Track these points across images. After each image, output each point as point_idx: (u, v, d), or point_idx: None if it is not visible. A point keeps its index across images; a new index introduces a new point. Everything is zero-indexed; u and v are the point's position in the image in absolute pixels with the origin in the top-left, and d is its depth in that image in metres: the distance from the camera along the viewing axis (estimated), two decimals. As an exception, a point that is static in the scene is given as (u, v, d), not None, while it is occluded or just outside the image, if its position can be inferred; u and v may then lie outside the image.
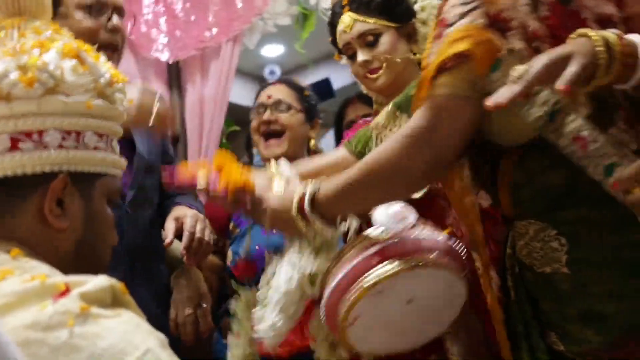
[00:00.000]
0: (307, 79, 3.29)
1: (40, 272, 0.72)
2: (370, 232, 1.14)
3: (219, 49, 2.34)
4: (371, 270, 1.08)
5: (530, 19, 0.98)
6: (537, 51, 0.96)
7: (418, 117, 1.04)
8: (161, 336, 0.70)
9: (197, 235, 1.54)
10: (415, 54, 1.58)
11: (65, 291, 0.67)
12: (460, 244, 1.16)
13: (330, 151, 1.50)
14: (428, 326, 1.19)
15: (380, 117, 1.50)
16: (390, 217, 1.13)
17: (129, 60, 2.23)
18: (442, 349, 1.25)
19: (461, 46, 0.97)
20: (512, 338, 1.10)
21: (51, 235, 0.81)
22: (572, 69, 0.85)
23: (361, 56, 1.52)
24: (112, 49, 1.55)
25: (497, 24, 0.98)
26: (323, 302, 1.14)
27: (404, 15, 1.56)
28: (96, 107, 0.84)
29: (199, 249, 1.57)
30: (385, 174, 1.07)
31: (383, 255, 1.08)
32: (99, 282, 0.69)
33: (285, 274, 1.21)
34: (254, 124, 1.95)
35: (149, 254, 1.62)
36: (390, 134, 1.36)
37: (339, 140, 2.70)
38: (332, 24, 1.61)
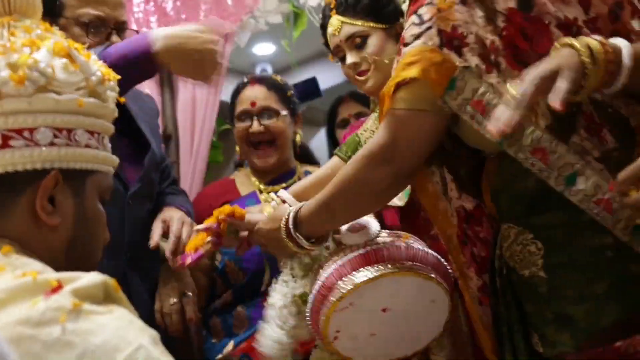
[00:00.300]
0: (299, 78, 3.29)
1: (32, 269, 0.72)
2: (332, 248, 1.21)
3: (210, 47, 2.34)
4: (336, 285, 1.13)
5: (486, 32, 0.98)
6: (495, 65, 0.96)
7: (379, 134, 1.07)
8: (153, 333, 0.70)
9: (184, 239, 1.55)
10: None
11: (58, 287, 0.68)
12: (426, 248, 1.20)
13: (325, 163, 1.52)
14: (419, 331, 1.21)
15: (369, 122, 1.52)
16: (347, 231, 1.20)
17: (119, 58, 2.22)
18: (424, 348, 1.27)
19: (411, 72, 0.99)
20: (498, 338, 1.11)
21: (43, 232, 0.81)
22: (563, 85, 0.85)
23: (349, 58, 1.53)
24: None
25: (453, 40, 0.98)
26: (308, 321, 1.19)
27: (392, 16, 1.57)
28: (87, 105, 0.84)
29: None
30: (352, 191, 1.12)
31: (343, 270, 1.14)
32: (91, 278, 0.70)
33: (280, 291, 1.27)
34: (239, 132, 1.90)
35: (145, 248, 1.62)
36: None
37: (331, 138, 2.70)
38: (323, 27, 1.62)
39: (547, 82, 0.86)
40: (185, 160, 2.29)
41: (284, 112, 1.89)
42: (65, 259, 0.83)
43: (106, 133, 0.89)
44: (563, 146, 0.95)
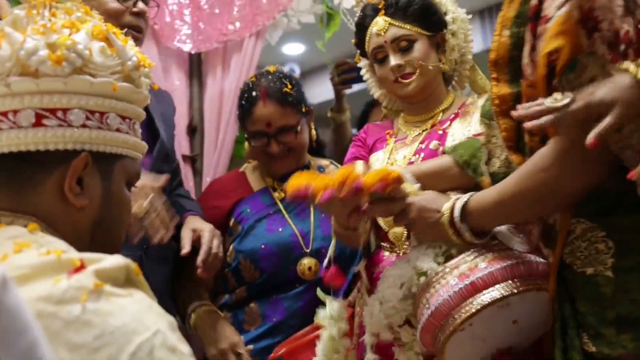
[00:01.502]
0: (327, 80, 3.28)
1: (56, 248, 0.73)
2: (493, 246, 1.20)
3: (241, 43, 2.34)
4: (499, 286, 1.14)
5: (622, 22, 0.95)
6: (622, 56, 0.94)
7: (560, 138, 1.03)
8: (171, 319, 0.71)
9: (214, 250, 1.63)
10: (443, 64, 1.59)
11: (80, 267, 0.68)
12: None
13: (437, 160, 1.44)
14: (514, 339, 1.23)
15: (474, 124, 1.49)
16: (515, 237, 1.20)
17: (151, 49, 2.24)
18: None
19: (556, 43, 0.97)
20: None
21: (69, 212, 0.82)
22: (606, 123, 0.86)
23: (394, 60, 1.53)
24: (137, 30, 1.59)
25: (588, 21, 0.96)
26: (436, 300, 1.18)
27: (437, 25, 1.58)
28: (121, 90, 0.85)
29: (214, 263, 1.65)
30: (538, 194, 1.07)
31: (494, 277, 1.15)
32: (114, 260, 0.70)
33: (399, 267, 1.27)
34: (256, 149, 1.82)
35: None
36: (492, 146, 1.36)
37: None
38: (362, 26, 1.61)
39: (594, 111, 0.87)
40: (209, 153, 2.29)
41: (300, 123, 1.80)
42: (90, 240, 0.84)
43: (137, 119, 0.90)
44: None
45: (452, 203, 1.21)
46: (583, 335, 1.02)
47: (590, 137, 0.86)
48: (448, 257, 1.24)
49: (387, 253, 1.52)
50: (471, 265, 1.17)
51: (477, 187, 1.31)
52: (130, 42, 0.90)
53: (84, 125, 0.82)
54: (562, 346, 1.05)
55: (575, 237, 1.04)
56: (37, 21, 0.83)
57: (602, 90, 0.89)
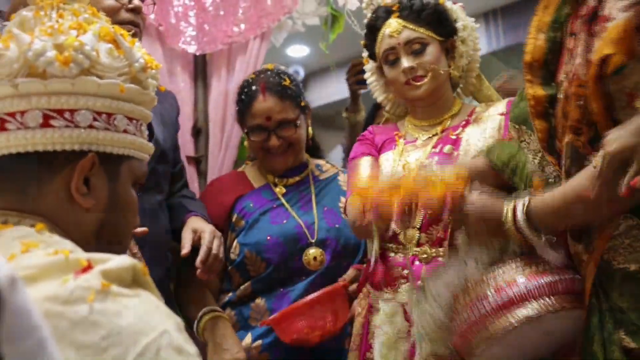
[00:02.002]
0: (331, 82, 3.29)
1: (63, 248, 0.73)
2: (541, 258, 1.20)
3: (246, 45, 2.34)
4: (535, 303, 1.14)
5: None
6: None
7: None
8: (178, 319, 0.71)
9: (214, 251, 1.63)
10: (452, 69, 1.60)
11: (88, 267, 0.68)
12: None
13: (473, 159, 1.45)
14: (545, 350, 1.23)
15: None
16: (552, 249, 1.19)
17: (156, 50, 2.24)
18: None
19: (610, 49, 0.99)
20: (585, 331, 1.12)
21: (76, 213, 0.82)
22: (632, 172, 0.89)
23: (406, 62, 1.54)
24: (135, 25, 1.59)
25: None
26: (472, 310, 1.18)
27: (448, 31, 1.60)
28: (129, 91, 0.85)
29: (214, 264, 1.65)
30: (602, 199, 1.04)
31: (548, 291, 1.15)
32: (121, 261, 0.70)
33: (455, 270, 1.26)
34: (255, 143, 1.84)
35: (156, 239, 1.65)
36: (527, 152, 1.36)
37: None
38: (374, 28, 1.62)
39: (620, 161, 0.92)
40: (213, 155, 2.29)
41: (299, 118, 1.83)
42: (96, 241, 0.84)
43: (144, 120, 0.90)
44: None
45: (513, 206, 1.18)
46: (620, 331, 1.03)
47: (622, 188, 0.90)
48: (494, 262, 1.24)
49: (392, 254, 1.52)
50: (509, 279, 1.17)
51: (510, 188, 1.31)
52: (138, 43, 0.90)
53: (91, 126, 0.82)
54: (601, 341, 1.06)
55: (618, 234, 1.05)
56: (44, 22, 0.83)
57: (623, 137, 0.92)
